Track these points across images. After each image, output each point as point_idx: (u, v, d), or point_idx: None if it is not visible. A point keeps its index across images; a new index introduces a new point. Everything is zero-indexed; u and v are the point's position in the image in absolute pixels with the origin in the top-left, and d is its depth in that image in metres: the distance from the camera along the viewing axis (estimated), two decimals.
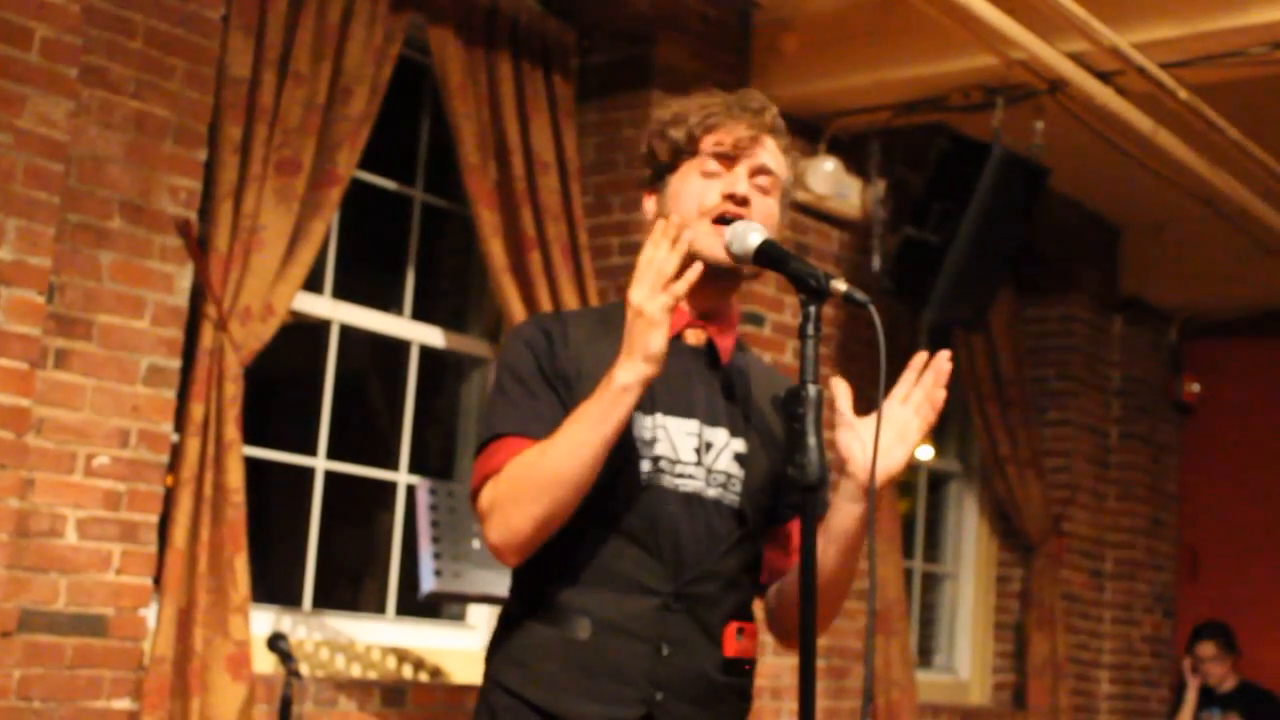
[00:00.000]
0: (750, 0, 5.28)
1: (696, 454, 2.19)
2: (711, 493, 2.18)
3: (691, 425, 2.20)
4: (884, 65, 5.10)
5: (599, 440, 2.05)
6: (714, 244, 2.17)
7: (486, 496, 2.12)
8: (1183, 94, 4.86)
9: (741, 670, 2.22)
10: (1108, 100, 4.90)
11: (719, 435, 2.21)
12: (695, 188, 2.21)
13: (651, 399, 2.16)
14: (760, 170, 2.23)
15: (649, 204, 2.29)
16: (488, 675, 2.22)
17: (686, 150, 2.23)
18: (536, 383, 2.17)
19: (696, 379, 2.24)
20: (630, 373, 2.03)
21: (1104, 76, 4.85)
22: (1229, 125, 5.18)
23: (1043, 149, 5.21)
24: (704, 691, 2.15)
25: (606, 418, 2.04)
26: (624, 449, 2.13)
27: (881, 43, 5.07)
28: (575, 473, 2.05)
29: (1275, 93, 5.13)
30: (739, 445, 2.23)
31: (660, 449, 2.16)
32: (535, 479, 2.06)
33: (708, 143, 2.22)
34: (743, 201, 2.19)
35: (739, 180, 2.20)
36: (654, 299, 2.02)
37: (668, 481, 2.15)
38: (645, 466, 2.15)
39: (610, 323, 2.24)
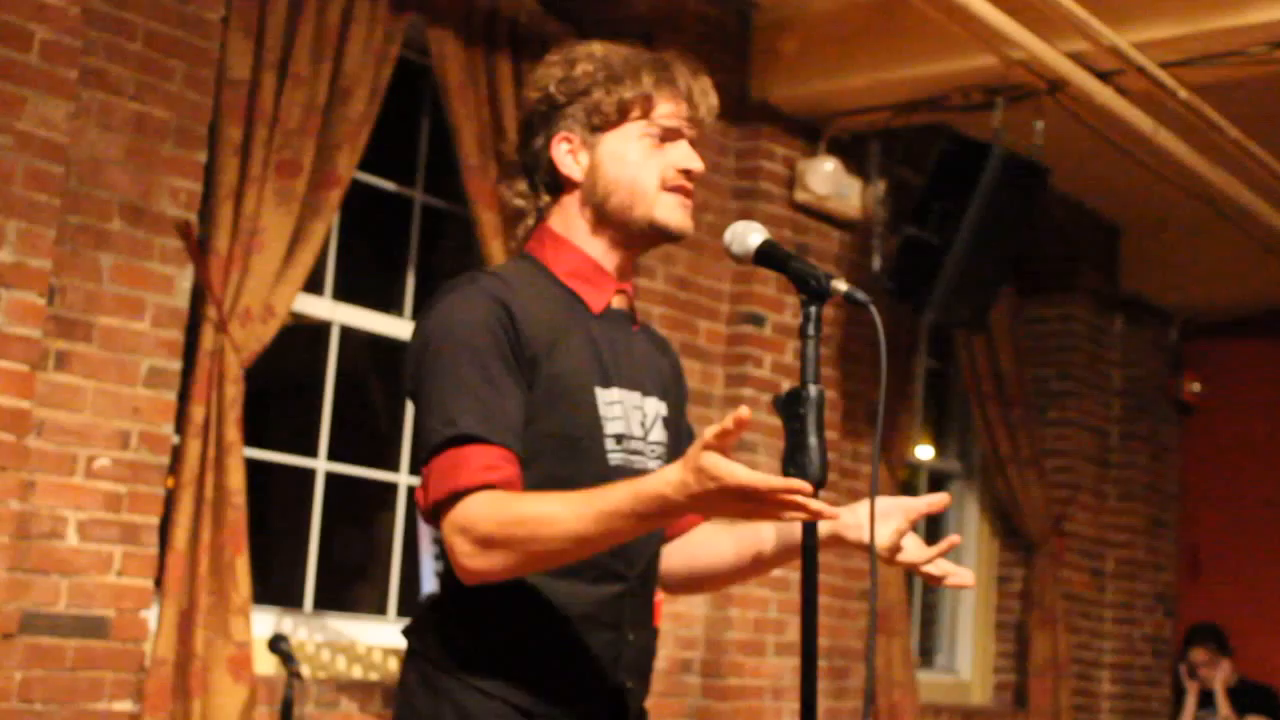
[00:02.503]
0: (749, 1, 5.29)
1: (642, 428, 2.15)
2: (653, 465, 2.14)
3: (635, 398, 2.15)
4: (884, 65, 5.10)
5: (616, 539, 1.92)
6: (675, 215, 2.14)
7: (478, 525, 1.91)
8: (1183, 93, 4.86)
9: (657, 636, 2.24)
10: (1108, 100, 4.90)
11: (651, 404, 2.18)
12: (650, 159, 2.15)
13: (606, 371, 2.11)
14: (696, 142, 2.21)
15: (563, 150, 2.15)
16: (451, 672, 2.04)
17: (638, 114, 2.15)
18: (499, 370, 2.00)
19: (632, 347, 2.20)
20: (680, 492, 1.81)
21: (1104, 76, 4.85)
22: (1229, 124, 5.17)
23: (1043, 149, 5.21)
24: (647, 667, 2.17)
25: (636, 529, 1.89)
26: (593, 429, 2.07)
27: (881, 43, 5.07)
28: (583, 554, 1.95)
29: (1275, 92, 5.13)
30: (663, 409, 2.21)
31: (619, 426, 2.11)
32: (540, 550, 1.90)
33: (662, 111, 2.16)
34: (696, 178, 2.18)
35: (694, 157, 2.17)
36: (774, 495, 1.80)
37: (628, 460, 2.10)
38: (611, 445, 2.09)
39: (537, 284, 2.12)
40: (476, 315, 2.02)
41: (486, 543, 1.90)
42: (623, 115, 2.14)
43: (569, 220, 2.17)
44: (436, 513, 1.97)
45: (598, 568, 2.04)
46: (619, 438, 2.10)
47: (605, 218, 2.15)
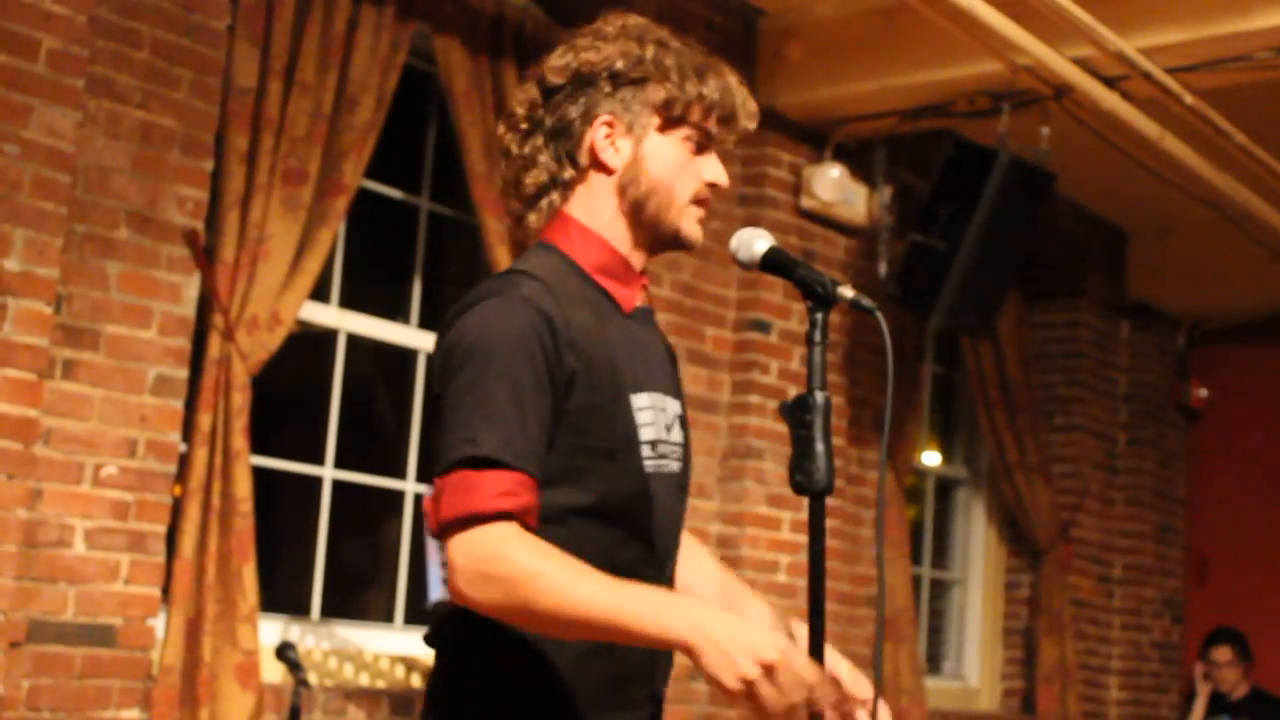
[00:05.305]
0: (755, 7, 5.29)
1: (668, 430, 2.10)
2: (675, 467, 2.10)
3: (660, 399, 2.10)
4: (889, 72, 5.10)
5: (616, 634, 1.81)
6: (696, 229, 2.10)
7: (490, 564, 1.81)
8: (1189, 99, 4.85)
9: None
10: (1114, 105, 4.89)
11: (671, 404, 2.13)
12: (688, 167, 2.08)
13: (637, 377, 2.05)
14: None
15: (603, 135, 2.05)
16: (502, 686, 1.99)
17: (697, 117, 2.06)
18: (530, 388, 1.89)
19: (654, 346, 2.16)
20: (694, 639, 1.74)
21: (1110, 82, 4.85)
22: (1235, 130, 5.17)
23: (1049, 154, 5.20)
24: (669, 674, 2.13)
25: (635, 635, 1.79)
26: (629, 439, 2.01)
27: (887, 49, 5.07)
28: (568, 636, 1.86)
29: None
30: (678, 408, 2.15)
31: (651, 433, 2.04)
32: (537, 610, 1.80)
33: (719, 126, 2.10)
34: (718, 193, 2.14)
35: (724, 172, 2.11)
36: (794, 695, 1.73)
37: (657, 465, 2.05)
38: (646, 453, 2.04)
39: (570, 284, 2.02)
40: (516, 327, 1.91)
41: (488, 579, 1.82)
42: (685, 115, 2.06)
43: (596, 209, 2.08)
44: (445, 529, 1.87)
45: (639, 575, 1.92)
46: (653, 444, 2.04)
47: (638, 215, 2.07)
